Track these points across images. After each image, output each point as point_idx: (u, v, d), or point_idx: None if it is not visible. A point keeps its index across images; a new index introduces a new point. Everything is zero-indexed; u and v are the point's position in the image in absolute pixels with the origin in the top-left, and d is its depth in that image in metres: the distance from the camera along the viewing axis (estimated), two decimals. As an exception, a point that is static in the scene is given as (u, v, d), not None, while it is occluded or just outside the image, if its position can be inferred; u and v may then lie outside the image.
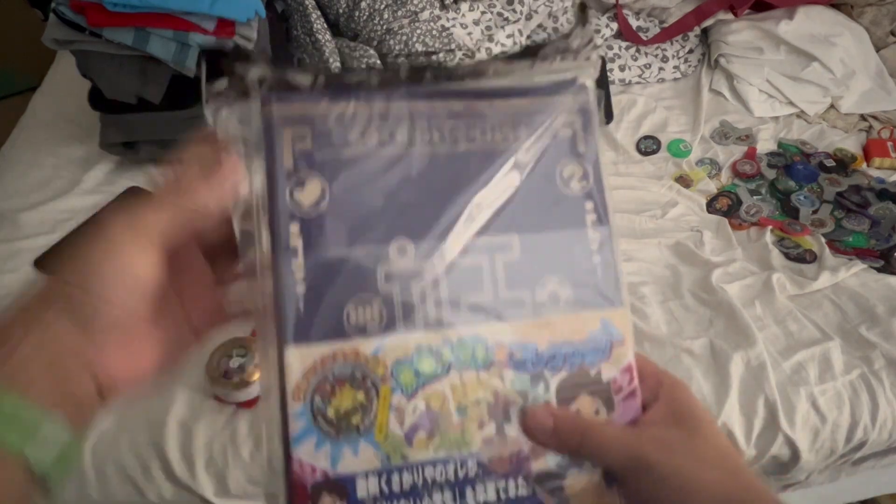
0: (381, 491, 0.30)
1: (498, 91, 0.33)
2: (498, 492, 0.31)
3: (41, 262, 0.79)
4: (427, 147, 0.32)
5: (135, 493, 0.63)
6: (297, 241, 0.30)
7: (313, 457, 0.29)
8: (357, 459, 0.29)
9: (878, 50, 1.14)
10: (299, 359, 0.29)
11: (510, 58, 0.34)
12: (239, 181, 0.29)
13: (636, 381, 0.33)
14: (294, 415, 0.29)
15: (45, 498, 0.25)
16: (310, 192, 0.31)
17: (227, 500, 0.64)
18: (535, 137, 0.34)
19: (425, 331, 0.31)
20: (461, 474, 0.31)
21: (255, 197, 0.30)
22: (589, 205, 0.34)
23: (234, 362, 0.65)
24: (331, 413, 0.29)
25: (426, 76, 0.33)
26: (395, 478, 0.30)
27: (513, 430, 0.31)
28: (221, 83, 0.30)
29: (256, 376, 0.64)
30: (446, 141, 0.33)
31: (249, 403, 0.66)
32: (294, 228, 0.30)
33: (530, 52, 0.34)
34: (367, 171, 0.32)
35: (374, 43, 1.01)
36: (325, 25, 1.01)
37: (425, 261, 0.31)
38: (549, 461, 0.31)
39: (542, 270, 0.33)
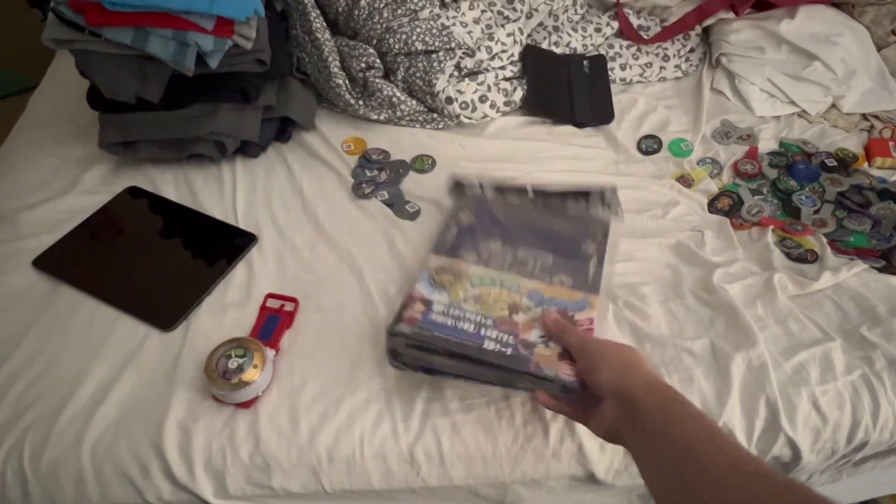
0: (443, 311, 0.63)
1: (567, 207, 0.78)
2: (497, 337, 0.61)
3: (40, 263, 0.79)
4: (523, 218, 0.75)
5: (133, 494, 0.63)
6: (454, 228, 0.73)
7: (422, 291, 0.64)
8: (440, 297, 0.64)
9: (879, 49, 1.14)
10: (433, 260, 0.68)
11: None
12: None
13: (593, 325, 0.63)
14: (421, 279, 0.66)
15: None
16: (467, 217, 0.74)
17: (227, 500, 0.64)
18: (578, 228, 0.75)
19: (497, 270, 0.67)
20: (483, 321, 0.62)
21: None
22: (594, 259, 0.71)
23: (233, 363, 0.64)
24: (437, 279, 0.66)
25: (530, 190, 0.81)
26: (453, 311, 0.63)
27: (516, 317, 0.63)
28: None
29: (255, 376, 0.64)
30: (534, 218, 0.75)
31: (248, 404, 0.66)
32: (455, 225, 0.74)
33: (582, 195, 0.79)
34: (492, 218, 0.75)
35: (374, 42, 1.01)
36: (325, 24, 1.00)
37: (507, 249, 0.70)
38: (531, 335, 0.62)
39: (560, 270, 0.68)
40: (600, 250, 0.71)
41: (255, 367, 0.64)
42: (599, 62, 1.10)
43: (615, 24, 1.15)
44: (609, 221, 0.75)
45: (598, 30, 1.14)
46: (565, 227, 0.73)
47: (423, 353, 0.61)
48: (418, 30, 0.99)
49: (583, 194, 0.79)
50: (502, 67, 1.05)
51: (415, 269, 0.70)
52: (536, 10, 1.14)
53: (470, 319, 0.62)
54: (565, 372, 0.58)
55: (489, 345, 0.60)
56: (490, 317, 0.62)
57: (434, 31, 1.00)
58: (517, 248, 0.69)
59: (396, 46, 1.00)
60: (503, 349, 0.60)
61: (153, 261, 0.80)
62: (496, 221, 0.73)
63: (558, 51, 1.11)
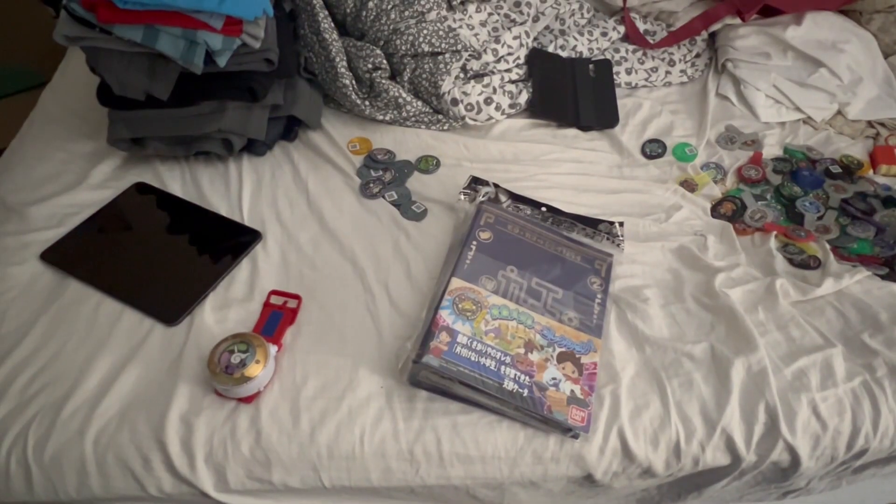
0: (467, 345, 0.67)
1: (577, 239, 0.83)
2: (515, 377, 0.66)
3: (48, 256, 0.80)
4: (535, 241, 0.80)
5: (135, 485, 0.63)
6: (473, 247, 0.77)
7: (447, 318, 0.69)
8: (463, 328, 0.68)
9: (886, 57, 1.13)
10: (455, 283, 0.72)
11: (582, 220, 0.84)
12: None
13: (596, 369, 0.69)
14: (444, 302, 0.70)
15: None
16: (486, 236, 0.78)
17: (227, 494, 0.65)
18: (586, 260, 0.80)
19: (514, 302, 0.72)
20: (502, 358, 0.67)
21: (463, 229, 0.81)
22: (599, 295, 0.76)
23: (236, 358, 0.65)
24: (460, 307, 0.70)
25: (548, 216, 0.84)
26: (476, 345, 0.67)
27: (531, 356, 0.68)
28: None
29: (258, 372, 0.64)
30: (545, 240, 0.81)
31: (250, 399, 0.66)
32: (474, 245, 0.77)
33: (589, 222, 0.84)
34: (510, 237, 0.79)
35: (381, 43, 1.02)
36: (333, 25, 1.01)
37: (521, 278, 0.75)
38: (544, 377, 0.67)
39: (568, 306, 0.74)
40: (604, 287, 0.77)
41: (258, 362, 0.65)
42: (605, 66, 1.11)
43: (621, 29, 1.16)
44: (613, 256, 0.81)
45: (604, 34, 1.14)
46: (574, 257, 0.79)
47: (444, 381, 0.66)
48: (425, 32, 1.00)
49: (590, 222, 0.83)
50: (508, 70, 1.05)
51: (436, 291, 0.74)
52: (543, 13, 1.15)
53: (491, 356, 0.67)
54: (573, 417, 0.64)
55: (508, 384, 0.65)
56: (509, 354, 0.67)
57: (441, 33, 1.01)
58: (532, 277, 0.75)
59: (403, 48, 1.00)
60: (521, 389, 0.65)
61: (159, 256, 0.81)
62: (512, 241, 0.79)
63: (564, 54, 1.11)
